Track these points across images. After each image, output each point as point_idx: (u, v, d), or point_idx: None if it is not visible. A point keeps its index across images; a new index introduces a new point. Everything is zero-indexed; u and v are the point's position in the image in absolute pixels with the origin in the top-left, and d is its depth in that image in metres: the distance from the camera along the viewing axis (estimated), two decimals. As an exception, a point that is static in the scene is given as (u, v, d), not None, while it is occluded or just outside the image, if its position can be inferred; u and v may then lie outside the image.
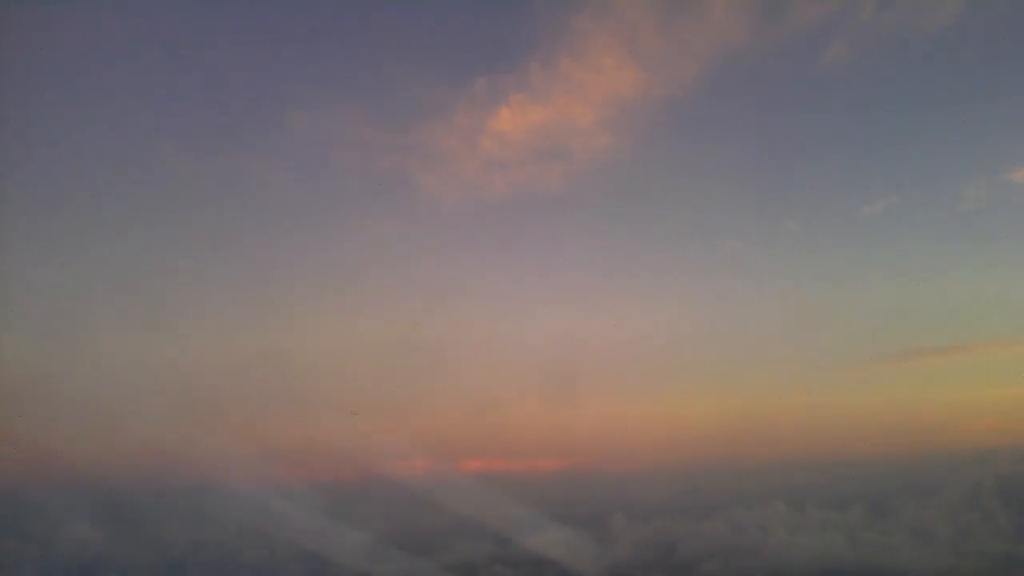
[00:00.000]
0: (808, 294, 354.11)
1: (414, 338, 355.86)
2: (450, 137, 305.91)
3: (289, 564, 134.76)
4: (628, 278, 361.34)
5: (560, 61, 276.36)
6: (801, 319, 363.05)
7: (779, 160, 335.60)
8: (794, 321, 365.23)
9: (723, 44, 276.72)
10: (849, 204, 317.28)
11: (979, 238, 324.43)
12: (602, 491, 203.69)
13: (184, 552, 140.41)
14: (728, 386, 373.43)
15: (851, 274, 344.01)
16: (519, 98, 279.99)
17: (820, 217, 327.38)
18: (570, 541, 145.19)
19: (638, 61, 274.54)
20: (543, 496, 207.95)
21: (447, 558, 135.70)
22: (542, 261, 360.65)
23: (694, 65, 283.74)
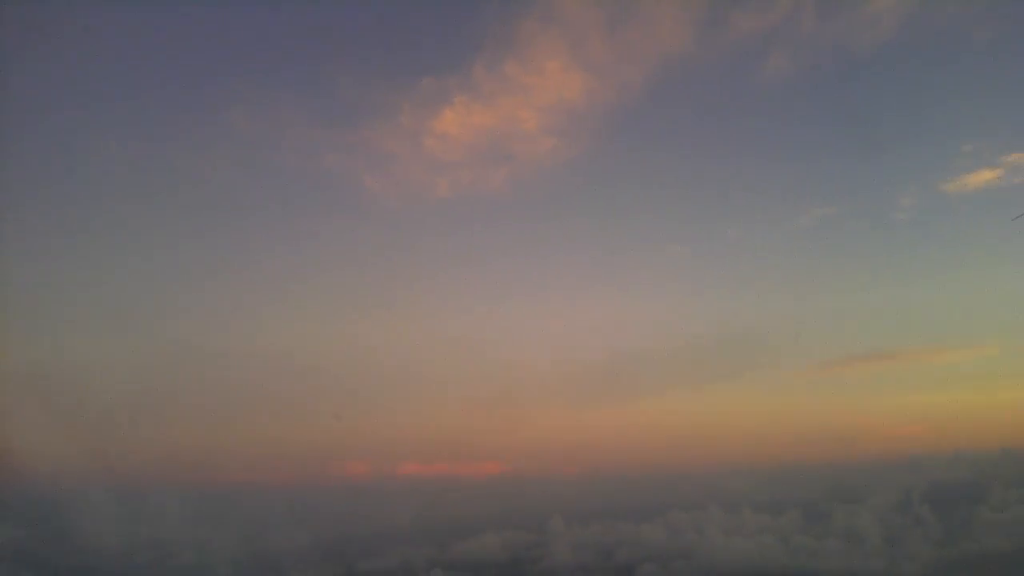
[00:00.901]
0: (745, 301, 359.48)
1: (353, 340, 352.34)
2: (394, 137, 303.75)
3: (224, 567, 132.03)
4: (569, 282, 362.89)
5: (505, 64, 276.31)
6: (737, 326, 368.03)
7: (720, 167, 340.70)
8: (730, 327, 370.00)
9: (667, 52, 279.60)
10: (787, 212, 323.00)
11: (912, 247, 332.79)
12: (541, 494, 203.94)
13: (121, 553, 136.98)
14: (665, 391, 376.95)
15: (787, 282, 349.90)
16: (464, 99, 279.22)
17: (759, 224, 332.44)
18: (509, 544, 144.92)
19: (583, 66, 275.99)
20: (482, 499, 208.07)
21: (386, 563, 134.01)
22: (485, 264, 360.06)
23: (638, 72, 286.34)
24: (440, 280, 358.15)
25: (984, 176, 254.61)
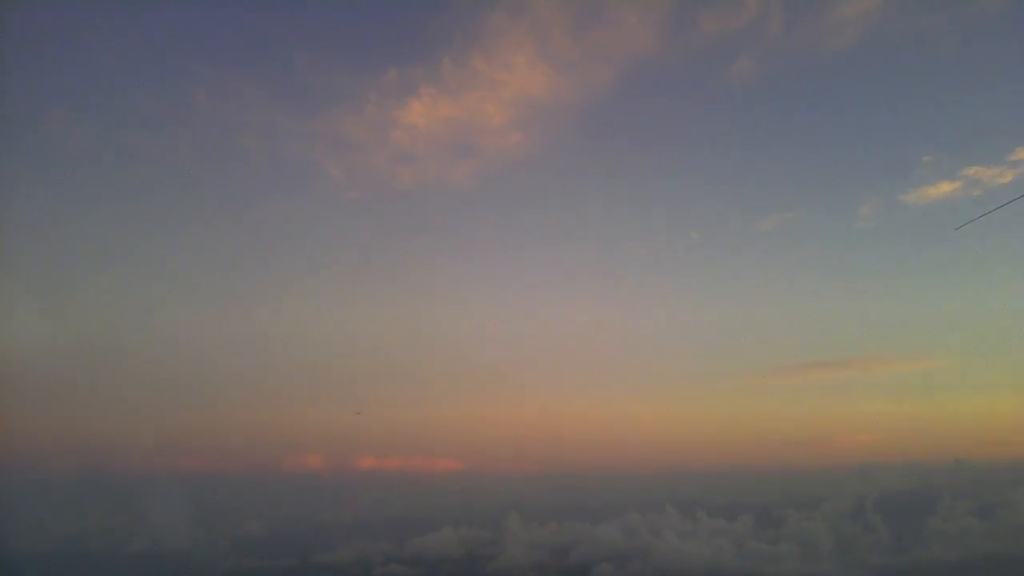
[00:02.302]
0: (704, 304, 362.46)
1: (311, 332, 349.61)
2: (359, 126, 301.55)
3: (179, 556, 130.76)
4: (531, 280, 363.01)
5: (473, 57, 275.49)
6: (696, 328, 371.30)
7: (684, 168, 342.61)
8: (689, 330, 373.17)
9: (634, 51, 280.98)
10: (748, 217, 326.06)
11: (870, 256, 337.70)
12: (498, 492, 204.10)
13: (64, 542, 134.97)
14: (623, 392, 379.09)
15: (746, 287, 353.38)
16: (430, 91, 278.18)
17: (722, 227, 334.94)
18: (465, 541, 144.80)
19: (550, 62, 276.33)
20: (439, 496, 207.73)
21: (342, 556, 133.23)
22: (447, 258, 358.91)
23: (605, 70, 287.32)
24: (401, 273, 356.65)
25: (943, 188, 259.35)
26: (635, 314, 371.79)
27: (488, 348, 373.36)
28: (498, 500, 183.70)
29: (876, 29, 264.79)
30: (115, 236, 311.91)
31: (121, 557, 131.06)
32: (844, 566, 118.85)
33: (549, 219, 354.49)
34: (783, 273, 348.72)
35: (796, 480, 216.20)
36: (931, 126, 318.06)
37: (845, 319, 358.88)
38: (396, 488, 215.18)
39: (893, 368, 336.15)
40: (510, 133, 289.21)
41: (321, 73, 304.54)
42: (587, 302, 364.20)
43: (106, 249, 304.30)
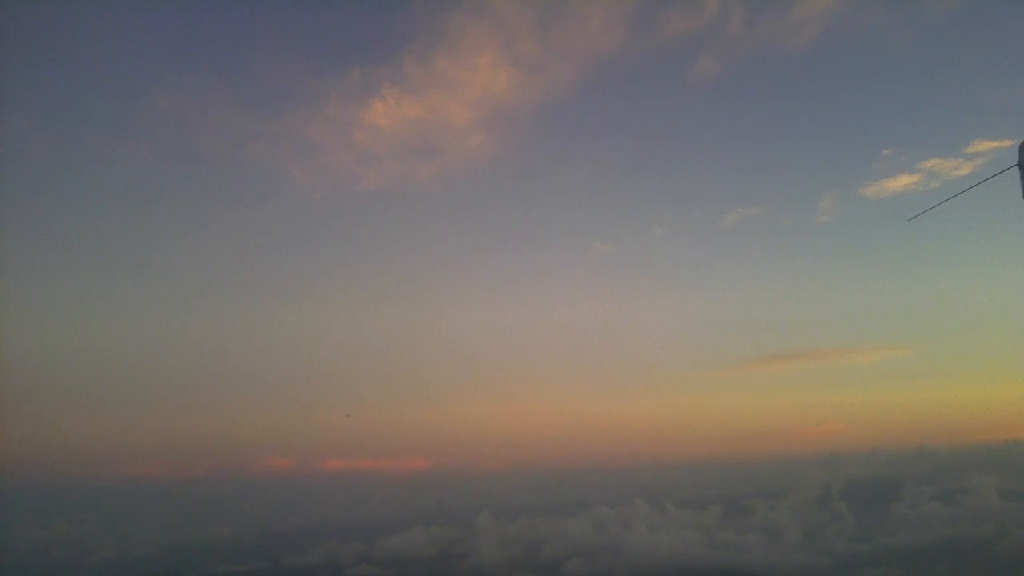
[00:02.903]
0: (669, 299, 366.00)
1: (275, 332, 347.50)
2: (321, 127, 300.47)
3: (148, 562, 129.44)
4: (495, 278, 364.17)
5: (436, 57, 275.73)
6: (663, 323, 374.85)
7: (647, 166, 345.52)
8: (656, 324, 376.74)
9: (598, 51, 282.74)
10: (713, 212, 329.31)
11: (831, 249, 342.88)
12: (469, 490, 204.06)
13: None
14: (591, 387, 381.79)
15: (711, 280, 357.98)
16: (393, 92, 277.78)
17: (685, 223, 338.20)
18: (436, 539, 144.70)
19: (513, 63, 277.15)
20: (409, 495, 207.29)
21: (312, 558, 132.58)
22: (410, 257, 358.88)
23: (568, 70, 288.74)
24: (365, 273, 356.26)
25: (902, 181, 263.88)
26: (601, 310, 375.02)
27: (455, 347, 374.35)
28: (468, 498, 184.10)
29: (835, 28, 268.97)
30: (76, 239, 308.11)
31: (88, 565, 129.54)
32: (811, 554, 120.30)
33: (514, 218, 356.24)
34: (747, 267, 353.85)
35: (763, 471, 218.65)
36: (890, 121, 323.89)
37: (808, 311, 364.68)
38: (366, 488, 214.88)
39: (856, 358, 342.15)
40: (474, 133, 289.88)
41: (283, 74, 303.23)
42: (553, 299, 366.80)
43: (65, 251, 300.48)
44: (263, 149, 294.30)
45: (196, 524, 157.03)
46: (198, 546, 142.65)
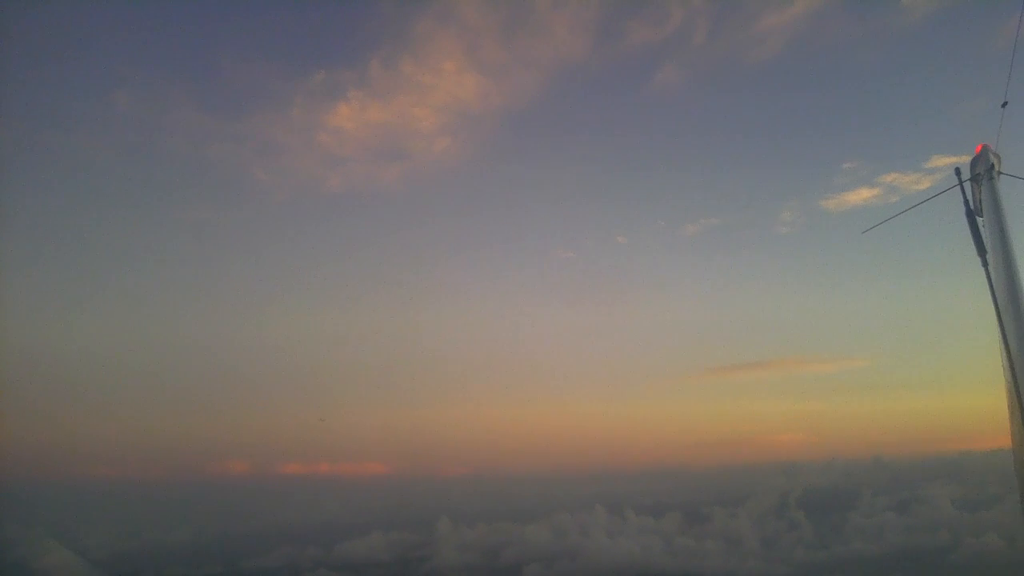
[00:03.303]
0: (630, 307, 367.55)
1: (236, 335, 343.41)
2: (285, 129, 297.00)
3: (108, 565, 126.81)
4: (459, 283, 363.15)
5: (402, 62, 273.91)
6: (624, 331, 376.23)
7: (611, 174, 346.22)
8: (617, 332, 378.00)
9: (563, 59, 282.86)
10: (673, 222, 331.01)
11: (791, 260, 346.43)
12: (428, 495, 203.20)
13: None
14: (551, 393, 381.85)
15: (672, 289, 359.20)
16: (359, 95, 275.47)
17: (648, 232, 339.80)
18: (395, 544, 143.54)
19: (479, 68, 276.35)
20: (368, 500, 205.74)
21: (270, 562, 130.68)
22: (375, 261, 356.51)
23: (533, 77, 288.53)
24: (326, 275, 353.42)
25: (862, 194, 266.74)
26: (562, 318, 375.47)
27: (415, 351, 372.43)
28: (428, 503, 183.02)
29: (798, 41, 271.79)
30: (28, 238, 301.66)
31: (37, 570, 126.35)
32: (769, 561, 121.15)
33: (478, 223, 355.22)
34: (708, 277, 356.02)
35: (722, 478, 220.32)
36: (851, 134, 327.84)
37: (768, 321, 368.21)
38: (324, 493, 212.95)
39: (815, 368, 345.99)
40: (440, 137, 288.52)
41: (247, 75, 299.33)
42: (514, 305, 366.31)
43: (28, 253, 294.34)
44: (226, 150, 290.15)
45: (152, 527, 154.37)
46: (154, 550, 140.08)
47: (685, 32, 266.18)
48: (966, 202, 10.24)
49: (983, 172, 10.89)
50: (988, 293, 8.87)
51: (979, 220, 10.25)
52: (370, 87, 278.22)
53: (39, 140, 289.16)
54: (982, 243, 9.61)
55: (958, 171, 10.45)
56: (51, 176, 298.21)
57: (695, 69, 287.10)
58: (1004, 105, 12.18)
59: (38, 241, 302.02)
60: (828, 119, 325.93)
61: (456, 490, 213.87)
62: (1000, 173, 10.91)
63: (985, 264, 9.34)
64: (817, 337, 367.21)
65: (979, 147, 11.42)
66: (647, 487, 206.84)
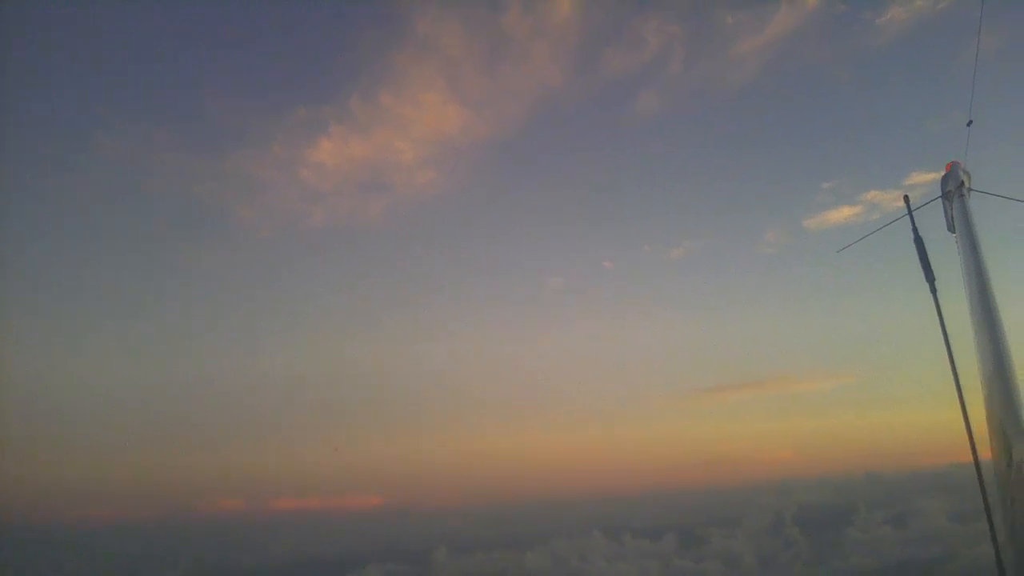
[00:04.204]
0: (619, 331, 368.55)
1: (225, 372, 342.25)
2: (267, 165, 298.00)
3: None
4: (447, 313, 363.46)
5: (382, 95, 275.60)
6: (613, 355, 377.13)
7: (594, 200, 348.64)
8: (606, 357, 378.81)
9: (543, 88, 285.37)
10: (658, 246, 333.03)
11: (776, 279, 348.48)
12: (424, 525, 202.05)
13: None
14: (543, 419, 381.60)
15: (660, 312, 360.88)
16: (340, 129, 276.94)
17: (633, 256, 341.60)
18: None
19: (460, 100, 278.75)
20: (364, 532, 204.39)
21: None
22: (360, 295, 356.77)
23: (515, 107, 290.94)
24: (314, 311, 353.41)
25: (843, 212, 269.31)
26: (551, 344, 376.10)
27: (406, 383, 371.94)
28: (424, 533, 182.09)
29: (774, 64, 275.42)
30: (14, 279, 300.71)
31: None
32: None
33: (464, 254, 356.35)
34: (694, 299, 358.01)
35: (716, 499, 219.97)
36: (831, 154, 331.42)
37: (756, 340, 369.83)
38: (319, 526, 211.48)
39: (803, 386, 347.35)
40: (422, 169, 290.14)
41: (228, 113, 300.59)
42: (503, 333, 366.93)
43: (9, 297, 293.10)
44: (209, 189, 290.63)
45: (144, 567, 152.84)
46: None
47: (662, 59, 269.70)
48: (914, 229, 10.76)
49: (954, 189, 11.46)
50: (962, 310, 9.32)
51: (953, 236, 10.83)
52: (351, 121, 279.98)
53: (22, 184, 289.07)
54: (930, 269, 10.09)
55: (906, 197, 10.96)
56: (36, 220, 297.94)
57: (674, 95, 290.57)
58: (969, 124, 12.74)
59: (26, 285, 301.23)
60: (807, 139, 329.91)
61: (452, 519, 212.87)
62: (971, 190, 11.48)
63: (934, 291, 9.80)
64: (805, 355, 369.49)
65: (949, 164, 11.98)
66: (643, 509, 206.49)
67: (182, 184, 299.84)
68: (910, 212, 10.73)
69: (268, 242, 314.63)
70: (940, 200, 11.71)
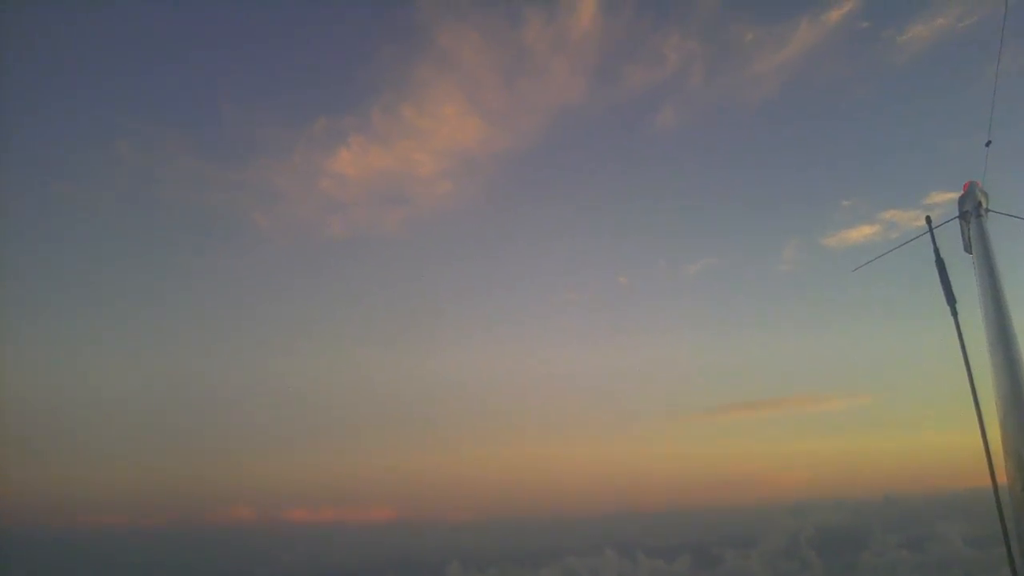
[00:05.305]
0: (636, 347, 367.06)
1: (241, 381, 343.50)
2: (286, 176, 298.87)
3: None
4: (464, 324, 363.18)
5: (402, 107, 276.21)
6: (629, 371, 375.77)
7: (612, 216, 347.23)
8: (622, 373, 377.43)
9: (563, 103, 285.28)
10: (675, 262, 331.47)
11: (793, 298, 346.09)
12: (438, 540, 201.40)
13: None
14: (559, 434, 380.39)
15: (676, 329, 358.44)
16: (360, 140, 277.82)
17: (650, 272, 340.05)
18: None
19: (480, 113, 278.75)
20: (376, 546, 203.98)
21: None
22: (378, 306, 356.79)
23: (534, 121, 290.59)
24: (330, 321, 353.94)
25: (863, 231, 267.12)
26: (567, 359, 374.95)
27: (421, 395, 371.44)
28: (436, 549, 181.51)
29: (794, 80, 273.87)
30: (32, 286, 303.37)
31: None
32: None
33: (480, 266, 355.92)
34: (711, 316, 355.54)
35: (731, 519, 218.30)
36: (850, 172, 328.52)
37: (773, 359, 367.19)
38: (331, 540, 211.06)
39: (821, 406, 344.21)
40: (441, 181, 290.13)
41: (248, 123, 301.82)
42: (519, 347, 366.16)
43: (26, 303, 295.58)
44: (227, 197, 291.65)
45: (152, 575, 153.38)
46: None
47: (682, 74, 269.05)
48: (936, 250, 10.67)
49: (971, 209, 11.38)
50: (979, 332, 9.23)
51: (970, 257, 10.73)
52: (371, 133, 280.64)
53: (40, 189, 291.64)
54: (951, 292, 10.00)
55: (928, 219, 10.89)
56: (52, 226, 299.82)
57: (693, 110, 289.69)
58: (988, 144, 12.64)
59: (39, 289, 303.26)
60: (826, 157, 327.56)
61: (466, 534, 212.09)
62: (988, 210, 11.39)
63: (954, 313, 9.71)
64: (822, 375, 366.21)
65: (966, 184, 11.89)
66: (656, 528, 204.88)
67: (199, 191, 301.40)
68: (932, 232, 10.66)
69: (285, 251, 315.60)
70: (957, 220, 11.63)
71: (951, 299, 9.85)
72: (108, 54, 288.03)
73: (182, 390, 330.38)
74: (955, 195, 11.98)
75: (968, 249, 11.06)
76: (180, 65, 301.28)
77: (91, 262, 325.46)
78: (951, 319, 9.56)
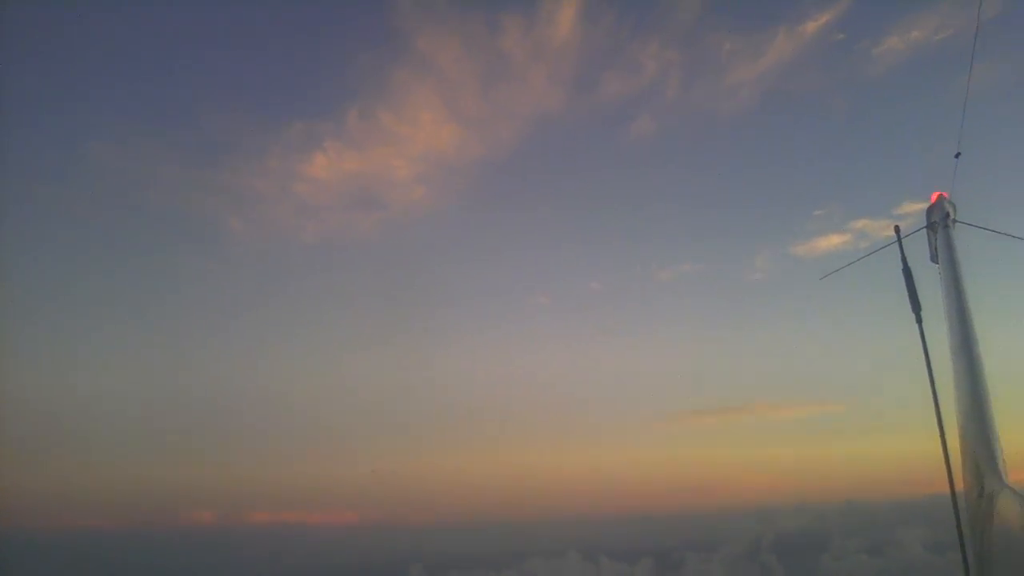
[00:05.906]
0: (604, 352, 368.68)
1: (210, 385, 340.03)
2: (261, 179, 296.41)
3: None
4: (433, 328, 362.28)
5: (379, 112, 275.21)
6: (597, 376, 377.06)
7: (586, 223, 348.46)
8: (590, 377, 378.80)
9: (539, 110, 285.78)
10: (647, 268, 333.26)
11: (764, 306, 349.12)
12: (399, 544, 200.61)
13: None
14: (522, 438, 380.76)
15: (646, 334, 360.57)
16: (335, 145, 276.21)
17: (621, 278, 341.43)
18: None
19: (457, 119, 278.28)
20: (337, 550, 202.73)
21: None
22: (352, 311, 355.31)
23: (511, 128, 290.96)
24: (303, 326, 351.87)
25: (833, 240, 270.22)
26: (535, 363, 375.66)
27: (386, 399, 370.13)
28: (399, 551, 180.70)
29: (769, 92, 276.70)
30: (15, 292, 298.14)
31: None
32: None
33: (454, 271, 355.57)
34: (681, 322, 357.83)
35: (694, 523, 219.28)
36: (822, 182, 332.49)
37: (740, 366, 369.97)
38: (292, 543, 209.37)
39: (787, 413, 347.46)
40: (417, 187, 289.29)
41: (224, 125, 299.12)
42: (488, 352, 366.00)
43: (7, 305, 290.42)
44: (202, 201, 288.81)
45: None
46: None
47: (659, 84, 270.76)
48: (903, 258, 10.78)
49: (939, 220, 11.50)
50: (944, 341, 9.32)
51: (936, 267, 10.86)
52: (347, 138, 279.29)
53: (14, 192, 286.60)
54: (917, 300, 10.13)
55: (897, 229, 10.98)
56: (27, 228, 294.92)
57: (669, 120, 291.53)
58: (957, 156, 12.79)
59: (16, 294, 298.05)
60: (799, 166, 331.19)
61: (429, 537, 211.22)
62: (956, 221, 11.51)
63: (919, 321, 9.82)
64: (790, 383, 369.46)
65: (935, 195, 12.01)
66: (620, 532, 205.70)
67: (175, 194, 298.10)
68: (900, 241, 10.75)
69: (261, 254, 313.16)
70: (925, 230, 11.75)
71: (916, 307, 9.93)
72: (85, 57, 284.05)
73: (156, 392, 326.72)
74: (927, 205, 12.10)
75: (934, 259, 11.18)
76: (157, 68, 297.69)
77: (66, 264, 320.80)
78: (917, 328, 9.65)
